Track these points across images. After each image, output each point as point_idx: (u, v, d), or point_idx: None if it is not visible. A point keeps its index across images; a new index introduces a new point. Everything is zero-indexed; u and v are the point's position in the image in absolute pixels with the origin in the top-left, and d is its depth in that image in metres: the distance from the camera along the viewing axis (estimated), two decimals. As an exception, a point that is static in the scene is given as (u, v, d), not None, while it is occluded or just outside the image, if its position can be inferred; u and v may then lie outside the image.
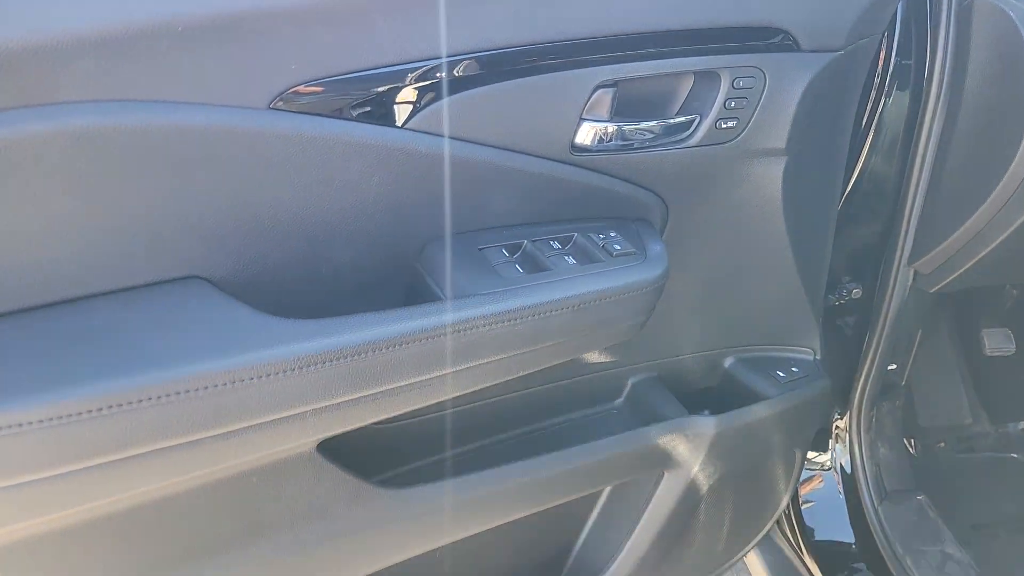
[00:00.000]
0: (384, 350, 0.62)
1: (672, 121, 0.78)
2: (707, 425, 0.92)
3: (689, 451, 0.92)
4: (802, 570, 1.24)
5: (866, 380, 1.23)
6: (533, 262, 0.74)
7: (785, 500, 1.12)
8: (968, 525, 1.35)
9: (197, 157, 0.58)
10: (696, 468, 0.94)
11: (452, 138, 0.69)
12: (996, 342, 1.52)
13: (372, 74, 0.64)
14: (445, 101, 0.67)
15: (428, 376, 0.66)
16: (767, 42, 0.76)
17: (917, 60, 1.01)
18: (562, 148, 0.75)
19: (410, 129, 0.67)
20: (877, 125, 1.05)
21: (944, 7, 0.96)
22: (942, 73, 0.98)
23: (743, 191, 0.87)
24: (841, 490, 1.30)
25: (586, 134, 0.75)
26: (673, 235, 0.87)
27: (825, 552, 1.26)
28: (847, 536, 1.26)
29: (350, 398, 0.63)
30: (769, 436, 1.00)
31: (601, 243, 0.77)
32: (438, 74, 0.66)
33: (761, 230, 0.92)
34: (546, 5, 0.68)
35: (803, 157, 0.86)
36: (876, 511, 1.25)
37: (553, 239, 0.77)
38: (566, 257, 0.74)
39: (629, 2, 0.70)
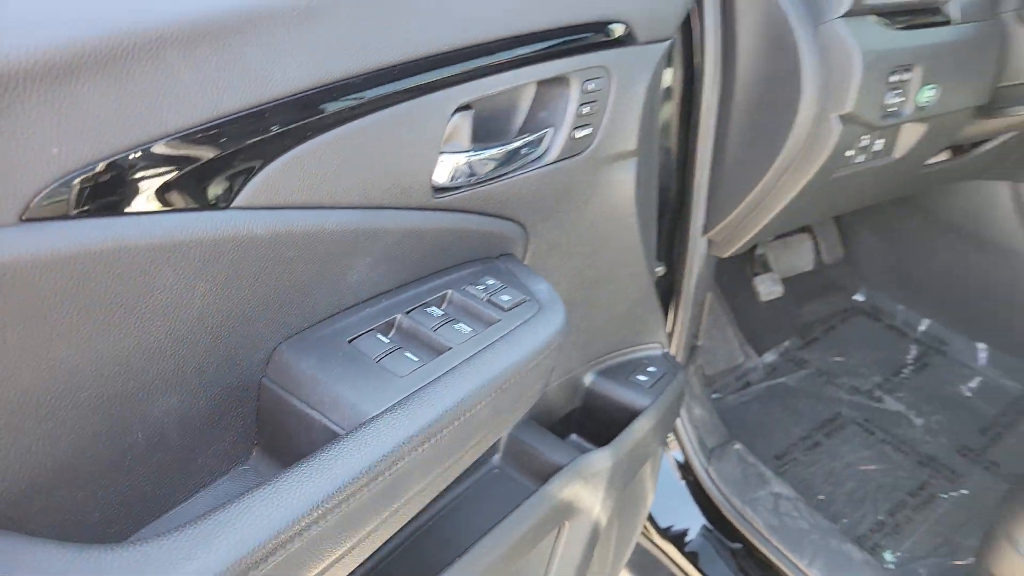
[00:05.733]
0: (294, 540, 0.44)
1: (530, 138, 0.68)
2: (603, 459, 0.85)
3: (589, 492, 0.85)
4: (658, 555, 1.28)
5: (677, 348, 1.26)
6: (421, 342, 0.59)
7: (651, 499, 1.11)
8: (772, 457, 1.50)
9: None
10: (598, 508, 0.87)
11: (296, 208, 0.52)
12: (767, 288, 1.80)
13: (177, 138, 0.44)
14: (286, 158, 0.49)
15: (352, 542, 0.50)
16: (608, 38, 0.70)
17: (691, 39, 1.02)
18: (423, 192, 0.61)
19: (240, 208, 0.48)
20: (663, 107, 1.05)
21: None
22: (715, 47, 1.01)
23: (600, 200, 0.81)
24: (673, 463, 1.35)
25: (446, 171, 0.62)
26: (532, 262, 0.78)
27: (676, 532, 1.30)
28: (691, 508, 1.31)
29: None
30: (648, 447, 0.97)
31: (483, 295, 0.65)
32: (271, 124, 0.48)
33: (617, 236, 0.87)
34: (384, 20, 0.51)
35: (645, 155, 0.83)
36: (709, 472, 1.31)
37: (427, 304, 0.63)
38: (456, 325, 0.61)
39: (471, 9, 0.57)
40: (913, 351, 1.84)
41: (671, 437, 1.34)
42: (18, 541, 0.39)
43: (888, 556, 1.31)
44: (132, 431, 0.48)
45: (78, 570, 0.38)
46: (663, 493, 1.30)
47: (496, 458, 0.89)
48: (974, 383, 1.74)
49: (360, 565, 0.72)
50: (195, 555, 0.40)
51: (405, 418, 0.51)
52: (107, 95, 0.40)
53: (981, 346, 1.79)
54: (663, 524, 1.29)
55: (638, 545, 1.31)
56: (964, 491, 1.46)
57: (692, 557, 1.25)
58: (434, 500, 0.82)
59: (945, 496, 1.44)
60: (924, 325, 1.88)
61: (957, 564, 1.29)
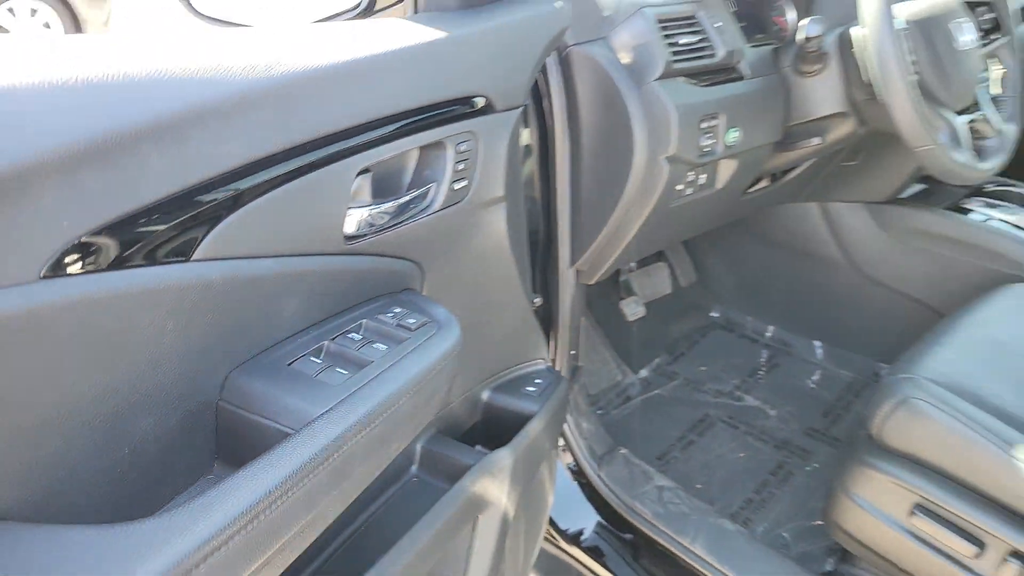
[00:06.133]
0: (269, 508, 0.56)
1: (418, 192, 0.84)
2: (504, 457, 1.00)
3: (496, 487, 0.99)
4: (564, 558, 1.42)
5: (560, 368, 1.45)
6: (348, 360, 0.73)
7: (551, 499, 1.26)
8: (654, 458, 1.69)
9: None
10: (505, 500, 1.01)
11: (242, 258, 0.65)
12: (632, 309, 2.03)
13: (151, 209, 0.56)
14: (231, 219, 0.62)
15: (313, 514, 0.62)
16: (473, 109, 0.87)
17: (541, 103, 1.23)
18: (337, 240, 0.75)
19: (198, 260, 0.61)
20: (524, 158, 1.25)
21: (550, 58, 1.20)
22: (561, 108, 1.23)
23: (479, 240, 0.98)
24: (568, 470, 1.52)
25: (354, 222, 0.77)
26: (429, 294, 0.93)
27: (575, 532, 1.45)
28: (586, 508, 1.47)
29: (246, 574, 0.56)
30: (542, 446, 1.12)
31: (393, 321, 0.79)
32: (219, 193, 0.61)
33: (496, 268, 1.04)
34: (300, 108, 0.66)
35: (512, 200, 1.00)
36: (600, 476, 1.48)
37: (348, 332, 0.77)
38: (374, 345, 0.75)
39: (368, 93, 0.73)
40: (764, 355, 2.11)
41: (564, 446, 1.50)
42: (46, 528, 0.50)
43: (758, 527, 1.52)
44: (120, 447, 0.59)
45: (108, 542, 0.49)
46: (561, 497, 1.46)
47: (414, 468, 1.02)
48: (816, 376, 2.02)
49: (294, 571, 0.83)
50: (200, 520, 0.52)
51: (345, 413, 0.64)
52: (100, 178, 0.52)
53: (817, 344, 2.08)
54: (563, 526, 1.44)
55: (545, 551, 1.45)
56: (815, 465, 1.70)
57: (592, 552, 1.40)
58: (361, 508, 0.94)
59: (799, 472, 1.68)
60: (770, 331, 2.16)
61: (814, 524, 1.51)
